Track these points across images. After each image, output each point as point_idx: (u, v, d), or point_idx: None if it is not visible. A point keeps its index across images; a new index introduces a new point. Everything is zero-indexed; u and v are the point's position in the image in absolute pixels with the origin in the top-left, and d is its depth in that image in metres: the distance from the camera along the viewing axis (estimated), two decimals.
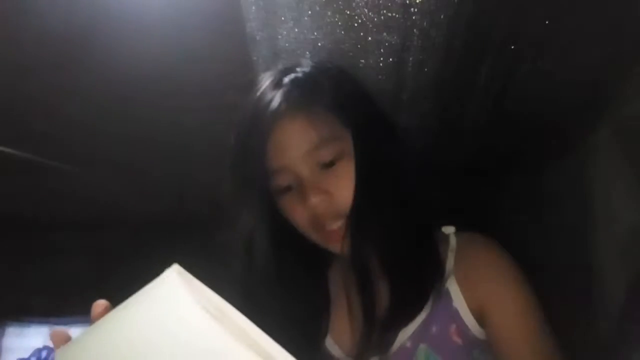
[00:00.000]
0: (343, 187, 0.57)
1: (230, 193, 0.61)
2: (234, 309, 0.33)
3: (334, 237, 0.59)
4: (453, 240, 0.65)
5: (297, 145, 0.57)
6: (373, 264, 0.61)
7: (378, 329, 0.59)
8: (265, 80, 0.60)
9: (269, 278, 0.61)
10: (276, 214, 0.62)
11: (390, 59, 0.73)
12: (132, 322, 0.33)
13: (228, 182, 0.61)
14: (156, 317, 0.32)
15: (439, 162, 1.08)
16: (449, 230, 0.66)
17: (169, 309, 0.32)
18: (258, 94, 0.59)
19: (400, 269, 0.61)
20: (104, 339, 0.34)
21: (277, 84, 0.59)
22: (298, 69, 0.61)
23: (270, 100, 0.57)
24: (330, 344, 0.66)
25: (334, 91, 0.59)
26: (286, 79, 0.60)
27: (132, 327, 0.33)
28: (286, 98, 0.57)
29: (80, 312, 1.54)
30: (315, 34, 0.68)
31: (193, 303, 0.31)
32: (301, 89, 0.58)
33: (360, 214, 0.57)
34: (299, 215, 0.60)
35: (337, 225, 0.58)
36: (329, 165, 0.58)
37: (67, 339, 0.40)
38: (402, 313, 0.60)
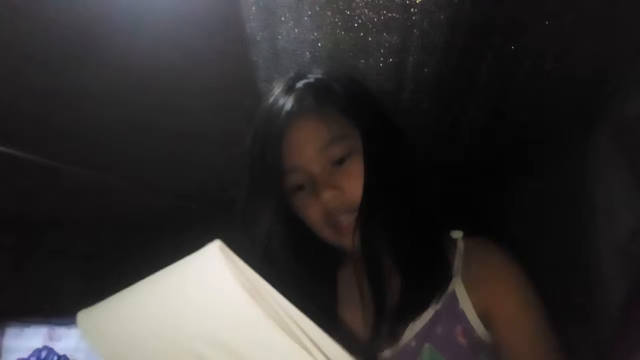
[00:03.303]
0: (353, 183, 0.60)
1: (246, 195, 0.63)
2: (273, 289, 0.33)
3: (345, 231, 0.60)
4: (461, 244, 0.66)
5: (309, 144, 0.60)
6: (384, 259, 0.62)
7: (388, 320, 0.61)
8: (278, 87, 0.63)
9: (281, 276, 0.63)
10: (290, 215, 0.63)
11: (390, 59, 0.73)
12: (168, 291, 0.34)
13: (243, 185, 0.63)
14: (194, 288, 0.33)
15: (438, 162, 1.08)
16: (457, 234, 0.68)
17: (206, 282, 0.33)
18: (271, 99, 0.62)
19: (410, 264, 0.63)
20: (136, 304, 0.35)
21: (289, 89, 0.62)
22: (309, 75, 0.64)
23: (284, 104, 0.60)
24: None
25: (343, 94, 0.62)
26: (298, 84, 0.63)
27: (167, 296, 0.34)
28: (298, 101, 0.60)
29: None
30: (315, 34, 0.68)
31: (231, 278, 0.32)
32: (313, 93, 0.61)
33: (369, 208, 0.59)
34: (312, 211, 0.62)
35: (348, 220, 0.60)
36: (340, 162, 0.61)
37: None
38: (412, 306, 0.62)
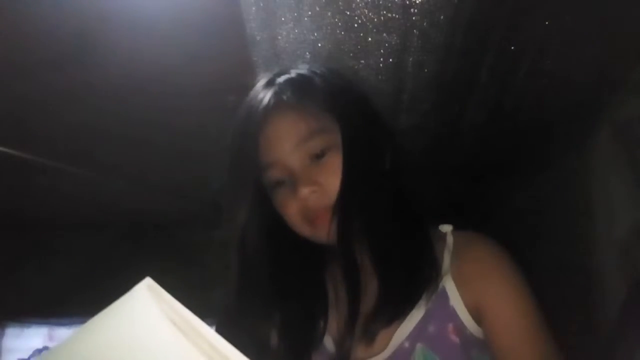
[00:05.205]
0: (332, 178, 0.59)
1: (226, 191, 0.62)
2: (204, 324, 0.33)
3: (321, 225, 0.59)
4: (450, 239, 0.65)
5: (287, 138, 0.59)
6: (364, 258, 0.61)
7: (362, 320, 0.60)
8: (260, 82, 0.63)
9: (262, 276, 0.62)
10: (271, 212, 0.63)
11: (390, 60, 0.73)
12: (102, 336, 0.34)
13: (224, 180, 0.62)
14: (125, 332, 0.33)
15: (438, 162, 1.08)
16: (446, 228, 0.67)
17: (138, 323, 0.32)
18: (252, 93, 0.62)
19: (389, 263, 0.61)
20: (73, 354, 0.35)
21: (269, 84, 0.62)
22: (292, 71, 0.64)
23: (262, 98, 0.60)
24: (328, 342, 0.67)
25: (324, 88, 0.61)
26: (279, 79, 0.62)
27: (101, 342, 0.33)
28: (277, 95, 0.60)
29: (80, 313, 1.54)
30: (315, 34, 0.68)
31: (162, 317, 0.31)
32: (292, 87, 0.61)
33: (346, 202, 0.59)
34: (290, 207, 0.61)
35: (326, 215, 0.59)
36: (319, 157, 0.60)
37: None
38: (388, 307, 0.60)
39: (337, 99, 0.61)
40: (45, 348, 1.54)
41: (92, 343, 0.34)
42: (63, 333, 1.58)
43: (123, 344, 0.32)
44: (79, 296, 1.53)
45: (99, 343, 0.33)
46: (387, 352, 0.61)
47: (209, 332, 0.32)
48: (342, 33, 0.68)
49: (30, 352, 1.53)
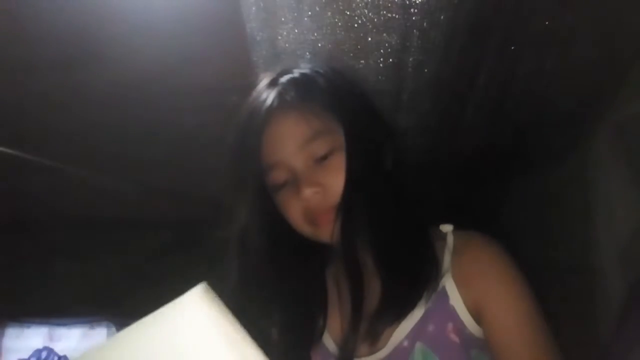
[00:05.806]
0: (335, 180, 0.59)
1: (227, 191, 0.62)
2: (247, 335, 0.33)
3: (324, 224, 0.59)
4: (450, 239, 0.65)
5: (290, 139, 0.59)
6: (366, 258, 0.61)
7: (366, 321, 0.60)
8: (263, 81, 0.63)
9: (262, 275, 0.62)
10: (273, 212, 0.62)
11: (390, 60, 0.73)
12: (152, 337, 0.34)
13: (225, 181, 0.62)
14: (174, 336, 0.33)
15: (438, 161, 1.08)
16: (447, 228, 0.67)
17: (187, 329, 0.33)
18: (255, 94, 0.61)
19: (391, 263, 0.61)
20: (122, 352, 0.35)
21: (273, 84, 0.62)
22: (295, 70, 0.63)
23: (265, 98, 0.59)
24: (328, 341, 0.67)
25: (327, 88, 0.61)
26: (282, 79, 0.62)
27: (151, 342, 0.34)
28: (280, 95, 0.59)
29: (80, 313, 1.55)
30: (316, 34, 0.68)
31: (211, 325, 0.32)
32: (295, 87, 0.60)
33: (349, 203, 0.58)
34: (292, 209, 0.61)
35: (329, 216, 0.59)
36: (323, 159, 0.59)
37: None
38: (392, 307, 0.60)
39: (341, 99, 0.61)
40: (45, 348, 1.54)
41: (141, 344, 0.34)
42: (63, 333, 1.58)
43: (170, 347, 0.33)
44: (79, 296, 1.53)
45: (147, 344, 0.34)
46: (386, 350, 0.61)
47: (252, 344, 0.33)
48: (342, 33, 0.68)
49: (30, 352, 1.53)
